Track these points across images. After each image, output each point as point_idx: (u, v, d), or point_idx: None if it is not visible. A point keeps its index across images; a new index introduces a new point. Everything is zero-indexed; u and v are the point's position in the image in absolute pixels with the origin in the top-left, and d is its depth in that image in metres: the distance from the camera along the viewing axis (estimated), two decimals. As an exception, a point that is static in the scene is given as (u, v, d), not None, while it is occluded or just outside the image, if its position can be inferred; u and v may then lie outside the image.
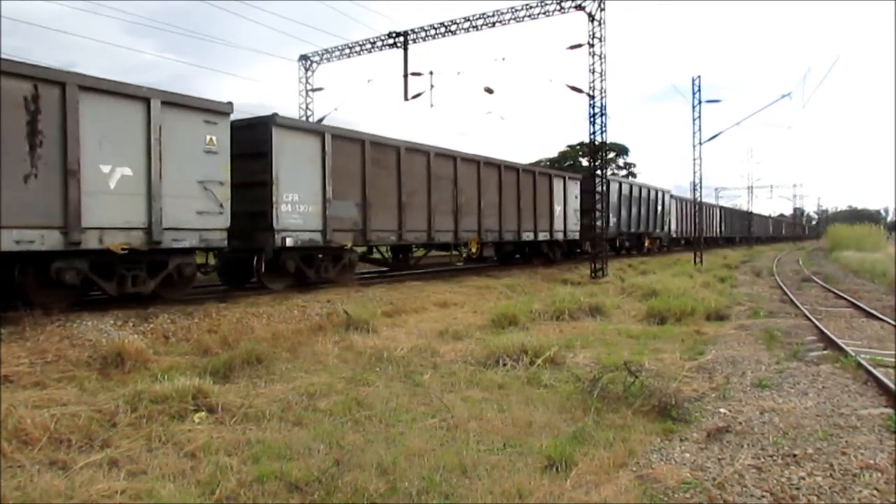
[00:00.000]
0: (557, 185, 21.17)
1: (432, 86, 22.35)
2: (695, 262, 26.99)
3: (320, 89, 25.21)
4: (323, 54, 24.81)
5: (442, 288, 14.08)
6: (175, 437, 4.58)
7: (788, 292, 15.71)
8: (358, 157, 12.85)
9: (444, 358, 7.55)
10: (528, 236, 19.34)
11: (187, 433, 4.67)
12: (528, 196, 19.29)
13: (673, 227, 35.51)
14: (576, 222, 22.42)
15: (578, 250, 24.03)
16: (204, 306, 9.61)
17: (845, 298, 14.26)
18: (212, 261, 11.67)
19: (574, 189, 22.48)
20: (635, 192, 29.02)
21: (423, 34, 22.11)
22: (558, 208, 21.10)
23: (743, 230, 61.77)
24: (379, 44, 23.11)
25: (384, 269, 16.97)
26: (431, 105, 22.72)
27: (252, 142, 10.93)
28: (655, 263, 25.77)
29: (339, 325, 9.37)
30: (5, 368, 6.12)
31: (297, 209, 11.31)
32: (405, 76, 22.55)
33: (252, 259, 11.38)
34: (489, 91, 22.53)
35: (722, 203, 63.53)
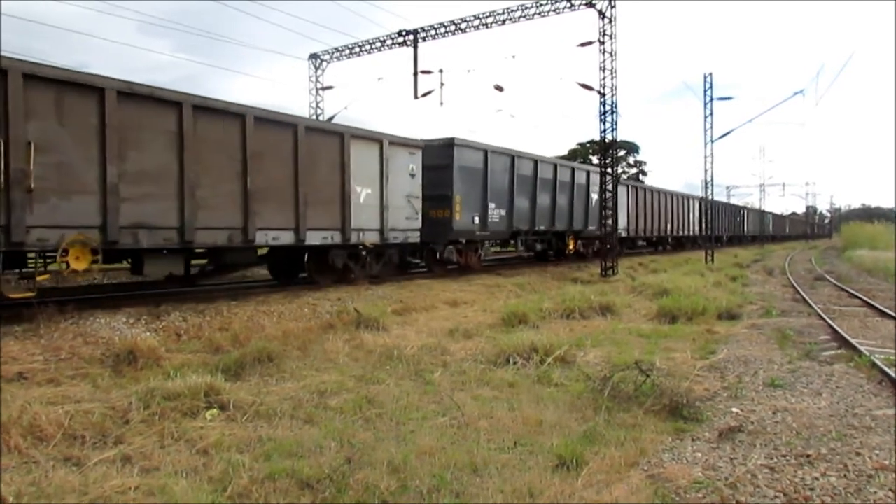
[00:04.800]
0: (365, 153, 12.88)
1: (442, 84, 22.37)
2: (706, 260, 26.90)
3: (330, 88, 25.32)
4: (333, 53, 24.87)
5: (452, 286, 14.08)
6: (187, 434, 4.62)
7: (801, 291, 15.57)
8: None
9: (455, 356, 7.54)
10: (275, 238, 11.00)
11: (199, 430, 4.70)
12: (280, 168, 11.00)
13: (621, 222, 24.61)
14: (411, 215, 14.19)
15: (418, 261, 16.29)
16: (215, 304, 9.67)
17: (859, 297, 14.12)
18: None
19: (407, 162, 14.06)
20: (545, 173, 19.58)
21: (433, 32, 22.11)
22: (364, 192, 12.83)
23: (734, 228, 51.37)
24: (389, 42, 23.14)
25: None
26: (441, 103, 22.65)
27: None
28: (666, 262, 25.69)
29: (350, 323, 9.39)
30: (21, 365, 6.19)
31: None
32: (415, 74, 22.58)
33: None
34: (499, 89, 22.59)
35: (734, 201, 61.68)
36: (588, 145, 58.25)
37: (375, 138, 13.24)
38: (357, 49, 24.29)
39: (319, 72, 25.16)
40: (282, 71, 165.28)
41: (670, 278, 16.39)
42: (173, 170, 9.30)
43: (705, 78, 27.74)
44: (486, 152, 16.75)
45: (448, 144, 15.58)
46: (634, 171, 67.30)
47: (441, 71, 22.41)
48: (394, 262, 14.59)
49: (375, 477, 3.85)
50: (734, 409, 5.53)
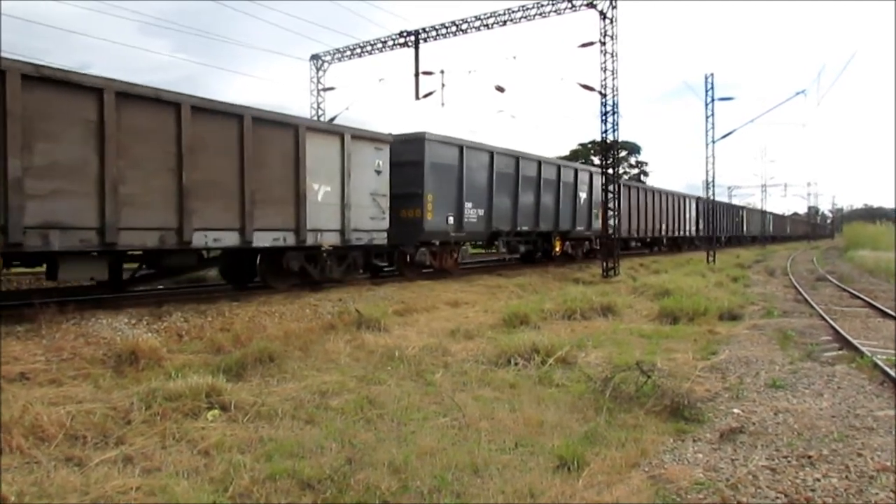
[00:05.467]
0: (323, 147, 11.78)
1: (443, 85, 22.40)
2: (707, 261, 26.91)
3: (332, 89, 25.33)
4: (334, 53, 24.89)
5: (453, 287, 14.07)
6: (189, 435, 4.62)
7: (803, 292, 15.56)
8: None
9: (456, 357, 7.54)
10: (217, 240, 9.92)
11: (201, 431, 4.70)
12: (223, 162, 9.96)
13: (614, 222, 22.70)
14: (377, 215, 13.12)
15: (385, 264, 15.02)
16: (217, 305, 9.68)
17: (861, 298, 14.10)
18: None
19: (372, 157, 12.97)
20: (528, 171, 18.49)
21: (434, 33, 22.12)
22: (323, 189, 11.80)
23: (733, 228, 49.50)
24: (390, 43, 23.15)
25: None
26: (443, 104, 22.66)
27: None
28: (668, 263, 25.68)
29: (351, 323, 9.39)
30: (23, 365, 6.20)
31: None
32: (416, 75, 22.58)
33: None
34: (500, 90, 22.57)
35: (736, 202, 61.48)
36: (589, 146, 58.27)
37: (335, 131, 12.24)
38: (358, 50, 24.31)
39: (321, 73, 25.18)
40: (282, 71, 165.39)
41: (672, 279, 16.37)
42: (92, 163, 8.23)
43: (706, 78, 27.77)
44: (461, 148, 15.62)
45: (418, 139, 14.38)
46: (636, 171, 67.31)
47: (442, 72, 22.45)
48: (358, 264, 13.48)
49: (376, 477, 3.85)
50: (735, 410, 5.52)
